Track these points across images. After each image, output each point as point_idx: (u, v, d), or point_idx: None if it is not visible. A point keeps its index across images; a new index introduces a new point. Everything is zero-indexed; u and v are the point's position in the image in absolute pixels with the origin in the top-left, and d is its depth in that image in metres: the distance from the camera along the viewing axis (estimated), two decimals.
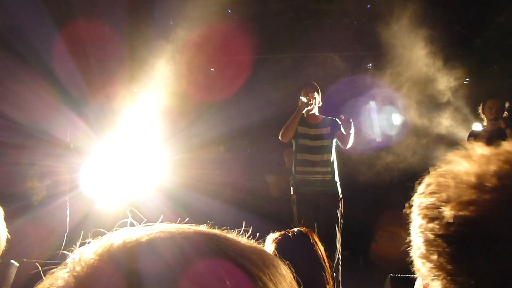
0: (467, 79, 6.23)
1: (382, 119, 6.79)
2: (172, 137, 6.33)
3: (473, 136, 4.45)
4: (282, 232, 1.67)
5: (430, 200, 0.61)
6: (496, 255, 0.52)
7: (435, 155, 6.18)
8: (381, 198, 6.66)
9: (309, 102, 4.07)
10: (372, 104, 6.70)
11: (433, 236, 0.59)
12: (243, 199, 6.31)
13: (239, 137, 6.94)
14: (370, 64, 6.60)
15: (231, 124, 6.78)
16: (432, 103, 6.29)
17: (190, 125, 6.53)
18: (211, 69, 6.97)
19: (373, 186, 6.39)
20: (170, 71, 6.15)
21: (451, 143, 6.05)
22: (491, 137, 4.15)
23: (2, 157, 4.57)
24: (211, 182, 6.31)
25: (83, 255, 0.41)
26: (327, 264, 1.63)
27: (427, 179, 0.66)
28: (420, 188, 0.66)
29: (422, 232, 0.62)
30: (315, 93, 4.17)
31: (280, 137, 4.16)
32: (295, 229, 1.66)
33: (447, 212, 0.56)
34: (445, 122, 6.17)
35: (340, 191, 4.13)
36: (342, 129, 4.16)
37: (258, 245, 0.47)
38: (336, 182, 4.12)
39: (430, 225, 0.60)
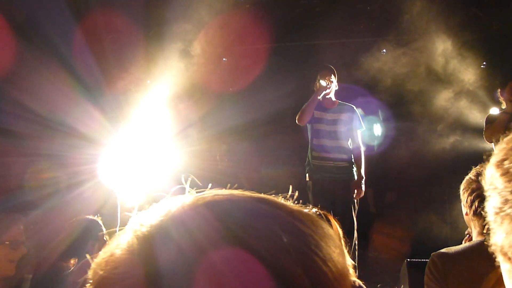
0: (484, 63, 6.12)
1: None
2: (186, 129, 6.37)
3: (492, 120, 4.34)
4: None
5: None
6: None
7: (451, 139, 6.12)
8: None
9: (328, 86, 4.03)
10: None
11: None
12: (258, 190, 6.30)
13: (252, 128, 6.92)
14: (384, 50, 6.51)
15: (244, 115, 6.77)
16: (448, 88, 6.21)
17: (204, 116, 6.55)
18: (224, 59, 6.95)
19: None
20: (183, 62, 6.16)
21: (468, 128, 5.97)
22: (511, 121, 4.06)
23: (22, 148, 4.65)
24: (226, 173, 6.35)
25: (143, 221, 0.42)
26: (345, 246, 1.63)
27: (498, 150, 0.64)
28: (493, 161, 0.65)
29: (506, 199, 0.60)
30: (332, 77, 4.12)
31: (297, 121, 4.13)
32: (313, 210, 1.65)
33: None
34: (462, 107, 6.08)
35: (356, 176, 4.10)
36: (359, 133, 4.15)
37: (305, 209, 0.47)
38: (353, 168, 4.10)
39: None
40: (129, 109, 5.90)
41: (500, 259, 0.60)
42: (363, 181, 4.05)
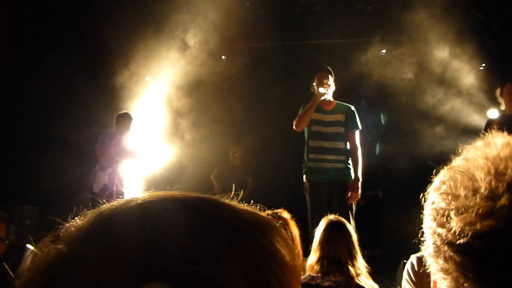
0: (483, 64, 6.12)
1: (370, 119, 6.78)
2: (183, 125, 6.36)
3: (491, 123, 4.31)
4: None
5: (441, 204, 0.57)
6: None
7: (450, 141, 6.11)
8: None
9: (326, 92, 4.00)
10: (363, 102, 6.65)
11: (440, 242, 0.56)
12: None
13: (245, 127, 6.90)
14: (384, 50, 6.50)
15: (237, 114, 6.77)
16: (447, 89, 6.21)
17: (201, 113, 6.54)
18: (223, 56, 6.93)
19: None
20: (182, 59, 6.14)
21: (467, 129, 5.97)
22: (504, 126, 4.04)
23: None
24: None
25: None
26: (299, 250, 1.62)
27: (443, 174, 0.62)
28: (436, 182, 0.62)
29: (431, 234, 0.59)
30: (329, 77, 4.09)
31: (294, 127, 4.10)
32: (331, 217, 1.66)
33: (456, 223, 0.53)
34: (461, 108, 6.08)
35: (353, 178, 4.08)
36: (356, 134, 4.12)
37: (253, 209, 0.46)
38: (349, 169, 4.08)
39: (440, 230, 0.56)
40: (126, 104, 5.91)
41: None
42: (359, 183, 4.02)
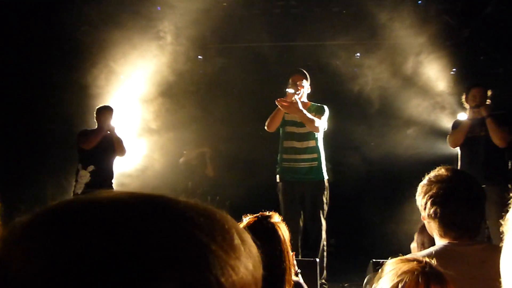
0: (454, 69, 6.28)
1: None
2: (157, 125, 6.31)
3: (456, 126, 4.44)
4: (253, 217, 1.68)
5: None
6: None
7: (421, 145, 6.25)
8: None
9: (297, 92, 4.03)
10: None
11: None
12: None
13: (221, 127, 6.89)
14: (358, 54, 6.60)
15: (214, 113, 6.76)
16: (419, 93, 6.33)
17: (176, 112, 6.49)
18: (199, 56, 6.90)
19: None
20: (157, 58, 6.09)
21: (437, 132, 6.11)
22: (473, 127, 4.15)
23: None
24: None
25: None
26: (289, 252, 1.63)
27: None
28: None
29: None
30: (304, 80, 4.14)
31: (266, 128, 4.13)
32: (261, 214, 1.66)
33: None
34: (432, 112, 6.22)
35: (326, 178, 4.14)
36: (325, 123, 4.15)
37: (210, 207, 0.42)
38: (322, 169, 4.13)
39: None
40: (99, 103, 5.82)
41: None
42: (298, 105, 3.92)
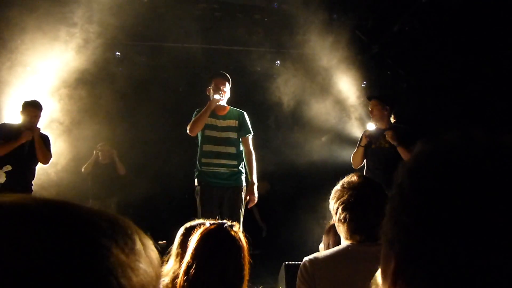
0: (364, 82, 6.71)
1: None
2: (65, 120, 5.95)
3: (363, 136, 4.64)
4: (208, 224, 1.65)
5: None
6: None
7: (334, 152, 6.59)
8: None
9: (221, 98, 4.04)
10: None
11: None
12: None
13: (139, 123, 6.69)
14: (278, 62, 6.79)
15: (123, 114, 6.55)
16: (332, 103, 6.68)
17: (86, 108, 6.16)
18: (117, 53, 6.62)
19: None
20: (69, 50, 5.73)
21: (348, 140, 6.49)
22: (376, 138, 4.39)
23: None
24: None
25: None
26: (247, 263, 1.64)
27: None
28: None
29: None
30: (226, 84, 4.15)
31: (188, 131, 4.07)
32: (220, 222, 1.64)
33: None
34: (344, 121, 6.59)
35: (244, 184, 4.18)
36: (249, 139, 4.21)
37: (111, 213, 0.44)
38: (241, 174, 4.16)
39: None
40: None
41: None
42: (255, 187, 4.11)
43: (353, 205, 1.81)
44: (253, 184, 4.10)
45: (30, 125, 4.28)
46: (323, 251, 2.23)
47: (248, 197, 4.08)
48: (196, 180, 4.14)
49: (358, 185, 1.87)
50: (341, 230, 1.88)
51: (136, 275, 0.41)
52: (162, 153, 6.72)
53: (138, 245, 0.44)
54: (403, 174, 0.52)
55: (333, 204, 1.90)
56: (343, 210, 1.83)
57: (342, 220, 1.82)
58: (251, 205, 4.11)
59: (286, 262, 3.58)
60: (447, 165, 0.46)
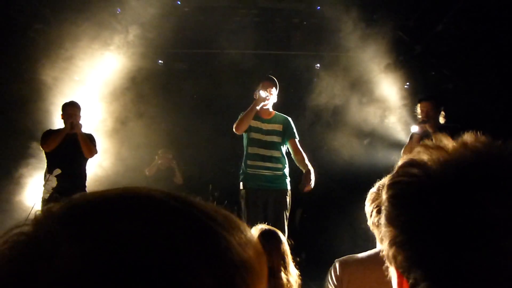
0: (407, 83, 6.55)
1: None
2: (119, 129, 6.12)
3: (412, 137, 4.59)
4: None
5: None
6: None
7: (377, 156, 6.45)
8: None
9: (267, 97, 4.07)
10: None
11: None
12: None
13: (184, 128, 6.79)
14: (318, 65, 6.75)
15: (172, 119, 6.66)
16: (373, 106, 6.56)
17: (135, 118, 6.32)
18: (159, 61, 6.78)
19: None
20: (117, 61, 5.92)
21: (392, 144, 6.35)
22: (422, 139, 4.31)
23: None
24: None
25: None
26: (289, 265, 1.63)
27: None
28: None
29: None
30: (273, 89, 4.17)
31: (234, 129, 4.12)
32: (264, 227, 1.65)
33: None
34: (388, 124, 6.45)
35: (289, 187, 4.16)
36: (296, 141, 4.18)
37: (223, 209, 0.46)
38: (286, 178, 4.15)
39: None
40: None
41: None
42: (312, 172, 3.98)
43: None
44: (309, 171, 3.98)
45: (71, 123, 4.37)
46: (356, 254, 2.20)
47: (305, 183, 3.97)
48: (241, 183, 4.17)
49: None
50: (376, 234, 1.84)
51: (251, 269, 0.42)
52: (210, 158, 6.77)
53: (249, 236, 0.45)
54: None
55: (368, 206, 1.86)
56: (378, 213, 1.78)
57: (376, 224, 1.78)
58: (306, 189, 3.98)
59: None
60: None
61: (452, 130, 4.17)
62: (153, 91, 6.40)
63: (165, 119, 6.61)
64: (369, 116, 6.51)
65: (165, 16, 5.66)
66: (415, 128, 5.26)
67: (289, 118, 4.28)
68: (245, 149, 4.20)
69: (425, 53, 6.31)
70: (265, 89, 4.10)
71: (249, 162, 4.13)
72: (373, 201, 1.82)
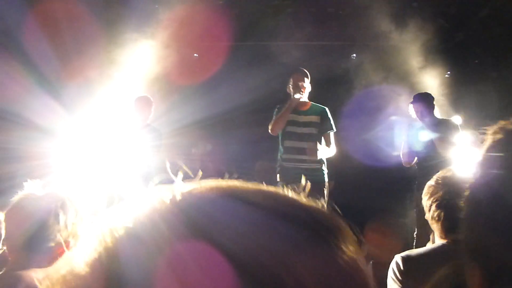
0: (448, 72, 6.33)
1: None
2: (152, 122, 6.19)
3: None
4: None
5: None
6: None
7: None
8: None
9: (301, 96, 4.02)
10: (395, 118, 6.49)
11: None
12: None
13: (219, 123, 6.82)
14: (354, 55, 6.61)
15: (210, 110, 6.68)
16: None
17: (170, 110, 6.38)
18: (195, 54, 6.81)
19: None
20: (150, 55, 5.99)
21: None
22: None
23: None
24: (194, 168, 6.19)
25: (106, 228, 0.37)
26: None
27: None
28: None
29: None
30: (305, 79, 4.10)
31: (270, 131, 4.10)
32: None
33: None
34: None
35: (326, 179, 4.10)
36: (331, 134, 4.15)
37: (324, 209, 0.42)
38: (323, 170, 4.09)
39: None
40: (91, 101, 5.67)
41: None
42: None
43: (448, 202, 1.72)
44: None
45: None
46: (417, 249, 2.16)
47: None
48: (278, 176, 4.14)
49: (453, 182, 1.76)
50: (435, 228, 1.81)
51: (354, 275, 0.39)
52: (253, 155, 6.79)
53: (351, 237, 0.41)
54: None
55: (426, 200, 1.82)
56: (437, 207, 1.75)
57: (436, 218, 1.75)
58: None
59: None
60: None
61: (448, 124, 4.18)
62: (190, 84, 6.45)
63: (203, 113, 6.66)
64: (408, 107, 6.32)
65: (199, 10, 5.66)
66: (457, 119, 5.16)
67: (326, 109, 4.20)
68: (280, 142, 4.16)
69: (467, 41, 6.07)
70: (296, 83, 4.04)
71: (284, 156, 4.09)
72: (431, 194, 1.78)
